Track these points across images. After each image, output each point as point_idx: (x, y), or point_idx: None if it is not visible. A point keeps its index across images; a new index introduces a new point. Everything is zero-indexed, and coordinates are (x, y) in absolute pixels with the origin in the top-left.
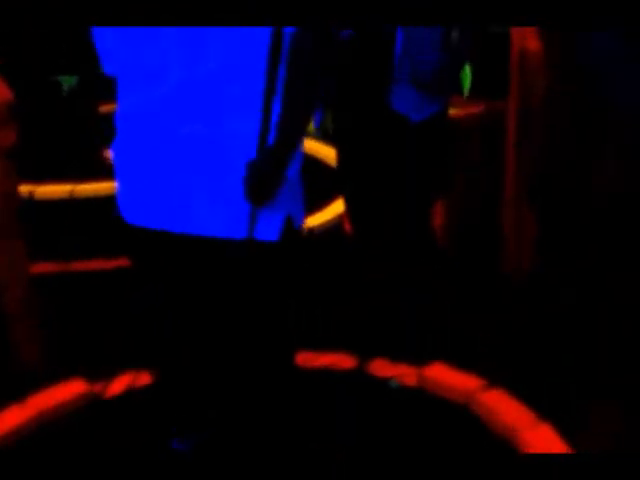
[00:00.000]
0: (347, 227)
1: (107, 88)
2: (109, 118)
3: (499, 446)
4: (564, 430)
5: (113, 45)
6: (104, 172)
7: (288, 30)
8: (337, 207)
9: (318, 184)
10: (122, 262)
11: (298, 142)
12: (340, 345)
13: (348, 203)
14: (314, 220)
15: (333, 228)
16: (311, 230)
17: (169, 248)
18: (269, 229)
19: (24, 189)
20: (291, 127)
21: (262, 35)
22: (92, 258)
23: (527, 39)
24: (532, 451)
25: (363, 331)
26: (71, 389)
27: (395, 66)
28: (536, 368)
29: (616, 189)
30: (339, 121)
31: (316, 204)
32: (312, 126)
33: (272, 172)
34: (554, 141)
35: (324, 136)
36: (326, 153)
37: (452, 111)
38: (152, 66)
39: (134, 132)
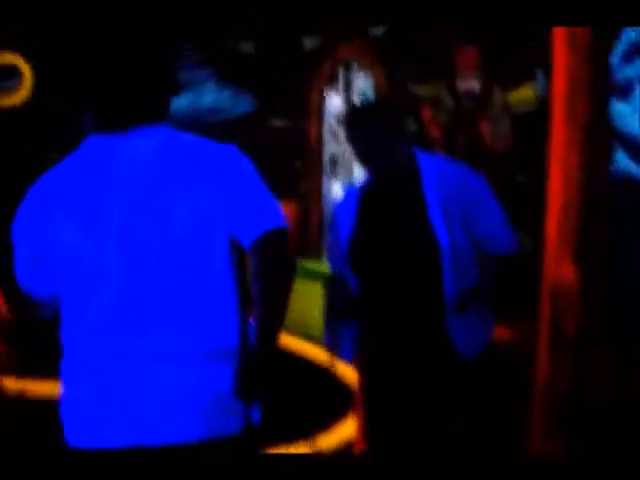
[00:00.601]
0: (358, 446)
1: None
2: None
3: None
4: None
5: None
6: None
7: (249, 240)
8: (348, 428)
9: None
10: None
11: (278, 339)
12: None
13: (369, 425)
14: (323, 441)
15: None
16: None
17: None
18: (254, 413)
19: (12, 386)
20: (274, 327)
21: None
22: None
23: (561, 265)
24: None
25: None
26: None
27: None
28: None
29: None
30: (371, 338)
31: (323, 421)
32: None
33: (261, 374)
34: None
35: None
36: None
37: None
38: (108, 275)
39: (91, 346)
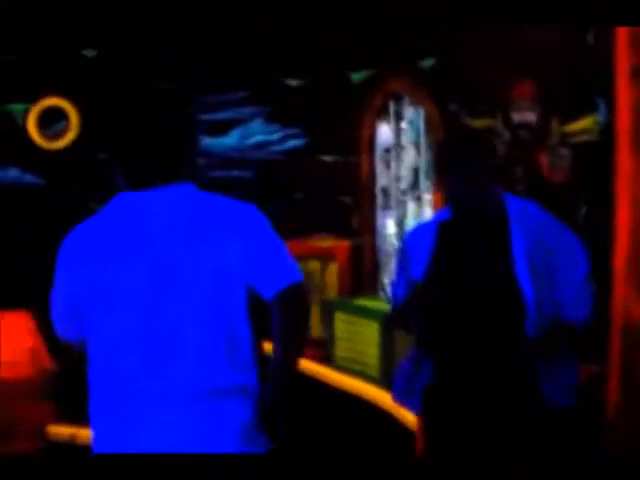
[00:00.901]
0: None
1: None
2: None
3: None
4: None
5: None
6: None
7: (269, 294)
8: None
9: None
10: None
11: (295, 374)
12: None
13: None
14: None
15: None
16: None
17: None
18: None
19: (64, 432)
20: (289, 367)
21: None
22: None
23: (631, 301)
24: None
25: None
26: None
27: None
28: None
29: None
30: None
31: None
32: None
33: (279, 407)
34: None
35: None
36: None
37: None
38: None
39: (120, 387)
